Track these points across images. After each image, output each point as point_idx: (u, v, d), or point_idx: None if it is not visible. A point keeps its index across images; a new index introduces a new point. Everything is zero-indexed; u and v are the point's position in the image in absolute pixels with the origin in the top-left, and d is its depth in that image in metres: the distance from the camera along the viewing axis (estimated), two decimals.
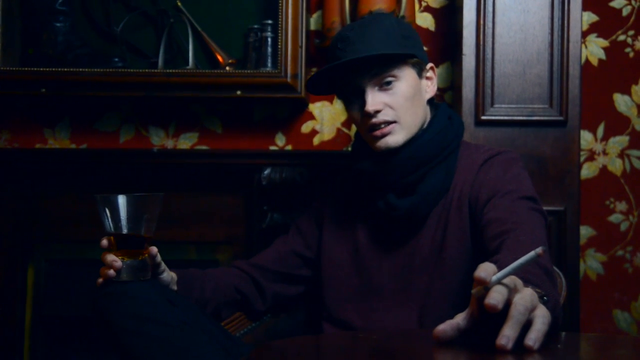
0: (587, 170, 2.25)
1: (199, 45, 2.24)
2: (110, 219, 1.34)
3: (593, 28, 2.25)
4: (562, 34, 1.97)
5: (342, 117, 2.25)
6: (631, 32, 2.25)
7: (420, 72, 1.56)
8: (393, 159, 1.53)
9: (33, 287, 2.32)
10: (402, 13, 2.08)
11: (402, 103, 1.52)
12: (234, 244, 2.26)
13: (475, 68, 1.99)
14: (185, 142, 2.29)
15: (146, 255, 1.38)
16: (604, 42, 2.25)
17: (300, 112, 2.28)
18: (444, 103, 1.64)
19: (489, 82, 1.99)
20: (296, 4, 2.11)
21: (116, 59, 2.20)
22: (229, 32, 2.26)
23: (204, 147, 2.29)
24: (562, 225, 1.97)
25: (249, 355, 1.05)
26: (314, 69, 2.25)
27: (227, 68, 2.20)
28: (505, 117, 1.98)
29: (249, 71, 2.16)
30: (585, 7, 2.16)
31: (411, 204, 1.53)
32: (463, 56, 1.99)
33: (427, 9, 2.26)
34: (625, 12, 2.25)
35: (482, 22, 1.98)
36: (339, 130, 2.27)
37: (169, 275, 1.50)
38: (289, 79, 2.10)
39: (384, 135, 1.52)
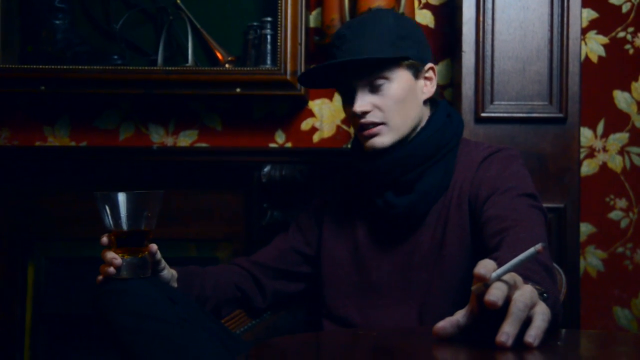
0: (587, 167, 2.25)
1: (198, 43, 2.24)
2: (110, 217, 1.34)
3: (593, 25, 2.25)
4: (561, 30, 1.97)
5: (342, 114, 2.25)
6: (631, 29, 2.25)
7: (416, 73, 1.55)
8: (380, 160, 1.53)
9: (33, 285, 2.32)
10: (401, 10, 2.08)
11: (391, 105, 1.52)
12: (234, 241, 2.26)
13: (474, 65, 1.99)
14: (185, 139, 2.29)
15: (146, 252, 1.38)
16: (604, 39, 2.25)
17: (300, 109, 2.28)
18: (444, 100, 1.63)
19: (489, 79, 1.99)
20: (295, 1, 2.11)
21: (115, 57, 2.20)
22: (229, 29, 2.26)
23: (203, 145, 2.29)
24: (562, 222, 1.97)
25: (248, 352, 1.05)
26: (314, 67, 2.24)
27: (227, 65, 2.20)
28: (505, 114, 1.98)
29: (248, 68, 2.16)
30: (585, 3, 2.15)
31: (409, 202, 1.53)
32: (463, 53, 1.99)
33: (427, 6, 2.26)
34: (625, 9, 2.25)
35: (481, 19, 1.98)
36: (338, 127, 2.26)
37: (169, 272, 1.50)
38: (288, 77, 2.10)
39: (371, 136, 1.53)
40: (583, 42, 2.22)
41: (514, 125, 1.99)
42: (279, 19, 2.11)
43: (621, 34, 2.25)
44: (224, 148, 2.25)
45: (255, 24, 2.21)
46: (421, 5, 2.26)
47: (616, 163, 2.25)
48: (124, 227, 1.35)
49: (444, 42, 2.24)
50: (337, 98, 2.25)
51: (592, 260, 2.25)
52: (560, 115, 1.97)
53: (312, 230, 1.72)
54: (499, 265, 0.99)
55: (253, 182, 2.17)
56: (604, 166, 2.26)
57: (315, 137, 2.27)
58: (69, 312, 2.32)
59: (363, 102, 1.52)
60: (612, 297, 2.25)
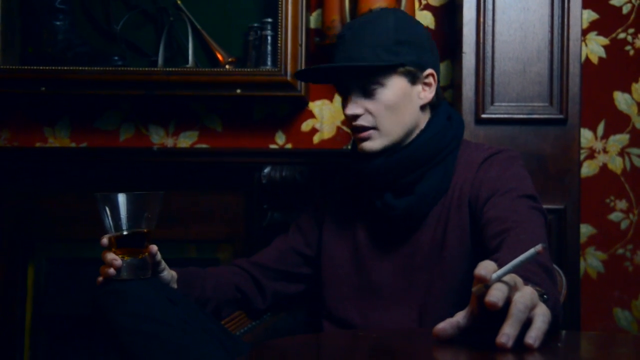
0: (587, 169, 2.25)
1: (198, 44, 2.24)
2: (110, 218, 1.34)
3: (593, 26, 2.25)
4: (562, 32, 1.97)
5: (342, 115, 2.25)
6: (631, 30, 2.25)
7: (413, 79, 1.54)
8: (372, 163, 1.54)
9: (33, 285, 2.33)
10: None
11: (382, 111, 1.52)
12: (234, 242, 2.26)
13: (475, 66, 1.99)
14: (185, 140, 2.29)
15: (146, 253, 1.38)
16: (604, 40, 2.25)
17: (300, 110, 2.28)
18: (445, 102, 1.62)
19: (489, 80, 1.99)
20: (296, 2, 2.11)
21: (116, 58, 2.20)
22: (229, 30, 2.26)
23: (204, 146, 2.29)
24: (562, 224, 1.97)
25: (248, 354, 1.05)
26: (311, 67, 2.24)
27: (227, 66, 2.20)
28: (506, 116, 1.98)
29: (248, 69, 2.16)
30: (585, 5, 2.16)
31: (408, 205, 1.53)
32: (463, 54, 1.99)
33: (427, 7, 2.26)
34: (625, 10, 2.25)
35: (482, 20, 1.98)
36: (339, 128, 2.26)
37: (169, 273, 1.50)
38: (289, 78, 2.10)
39: (363, 139, 1.53)
40: (583, 43, 2.22)
41: (514, 127, 1.99)
42: (280, 20, 2.11)
43: (621, 35, 2.25)
44: (224, 149, 2.25)
45: (255, 25, 2.21)
46: (422, 6, 2.26)
47: (616, 164, 2.25)
48: (124, 228, 1.35)
49: (444, 43, 2.24)
50: (338, 99, 2.25)
51: (592, 261, 2.25)
52: (561, 116, 1.97)
53: (312, 231, 1.72)
54: (500, 266, 0.99)
55: (253, 183, 2.17)
56: (604, 167, 2.26)
57: (316, 138, 2.27)
58: (69, 312, 2.32)
59: (355, 105, 1.53)
60: (613, 299, 2.25)
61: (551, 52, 1.98)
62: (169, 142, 2.29)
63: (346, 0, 2.11)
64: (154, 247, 1.40)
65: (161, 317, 1.31)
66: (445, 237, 1.52)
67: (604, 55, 2.25)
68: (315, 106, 2.27)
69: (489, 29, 1.99)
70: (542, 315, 0.96)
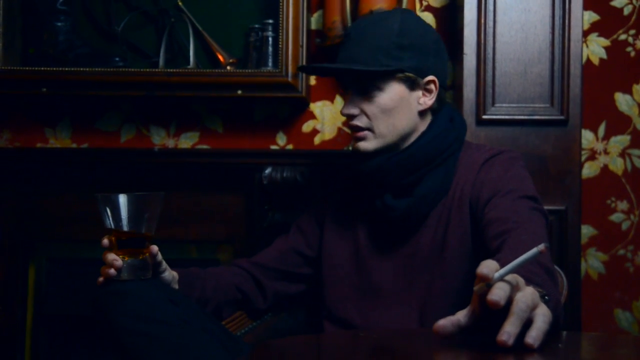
0: (588, 170, 2.25)
1: (199, 45, 2.24)
2: (111, 218, 1.34)
3: (594, 27, 2.25)
4: (563, 33, 1.97)
5: (343, 116, 2.25)
6: (632, 32, 2.25)
7: (412, 85, 1.53)
8: (367, 163, 1.55)
9: (34, 285, 2.33)
10: None
11: (377, 113, 1.52)
12: (234, 243, 2.26)
13: (476, 67, 1.99)
14: (186, 141, 2.29)
15: (147, 254, 1.38)
16: (605, 42, 2.25)
17: (301, 111, 2.28)
18: (447, 105, 1.62)
19: (490, 82, 1.99)
20: (297, 3, 2.11)
21: (117, 59, 2.20)
22: (230, 31, 2.26)
23: (204, 147, 2.29)
24: (563, 225, 1.97)
25: (249, 354, 1.05)
26: (314, 65, 2.24)
27: (228, 67, 2.20)
28: (507, 117, 1.98)
29: (249, 70, 2.16)
30: (586, 6, 2.16)
31: (407, 206, 1.53)
32: (464, 55, 1.99)
33: (428, 8, 2.26)
34: (626, 12, 2.25)
35: (483, 21, 1.98)
36: (339, 129, 2.27)
37: (170, 274, 1.50)
38: (290, 79, 2.10)
39: (358, 139, 1.54)
40: (584, 45, 2.22)
41: (515, 128, 1.99)
42: (281, 21, 2.11)
43: (622, 37, 2.25)
44: (225, 150, 2.25)
45: (256, 26, 2.21)
46: (422, 8, 2.26)
47: (617, 165, 2.25)
48: (125, 228, 1.35)
49: (445, 44, 2.24)
50: (339, 100, 2.25)
51: (593, 262, 2.25)
52: (562, 117, 1.97)
53: (313, 232, 1.72)
54: (501, 266, 0.99)
55: (254, 184, 2.17)
56: (605, 168, 2.26)
57: (317, 139, 2.27)
58: (69, 313, 2.32)
59: (351, 105, 1.54)
60: (613, 300, 2.25)
61: (552, 53, 1.98)
62: (170, 143, 2.29)
63: (347, 1, 2.11)
64: (154, 248, 1.40)
65: (162, 317, 1.31)
66: (446, 237, 1.52)
67: (604, 56, 2.25)
68: (316, 107, 2.27)
69: (489, 30, 1.99)
70: (542, 316, 0.96)
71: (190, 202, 2.25)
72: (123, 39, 2.25)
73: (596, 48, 2.25)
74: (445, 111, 1.59)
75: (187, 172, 2.25)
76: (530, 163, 1.92)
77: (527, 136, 1.98)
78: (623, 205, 2.25)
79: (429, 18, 2.26)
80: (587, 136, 2.24)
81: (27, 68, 2.19)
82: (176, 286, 1.53)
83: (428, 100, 1.55)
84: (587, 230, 2.24)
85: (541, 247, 0.98)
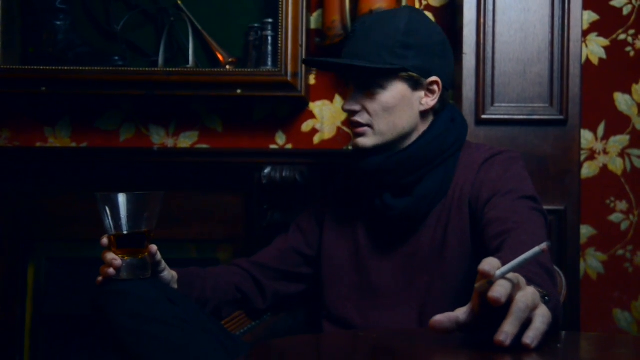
0: (588, 170, 2.25)
1: (199, 44, 2.24)
2: (110, 218, 1.34)
3: (593, 27, 2.25)
4: (562, 33, 1.97)
5: (343, 115, 2.25)
6: (632, 31, 2.25)
7: (415, 85, 1.53)
8: (365, 161, 1.55)
9: (33, 285, 2.33)
10: None
11: (378, 111, 1.52)
12: (234, 242, 2.26)
13: (475, 67, 1.99)
14: (186, 140, 2.29)
15: (146, 253, 1.39)
16: (605, 41, 2.25)
17: (301, 110, 2.28)
18: (449, 105, 1.62)
19: (490, 81, 1.99)
20: (296, 2, 2.11)
21: (116, 58, 2.20)
22: (230, 30, 2.26)
23: (204, 146, 2.29)
24: (563, 225, 1.97)
25: (248, 354, 1.05)
26: (314, 68, 2.25)
27: (228, 67, 2.20)
28: (506, 116, 1.98)
29: (249, 70, 2.16)
30: (585, 6, 2.15)
31: (406, 205, 1.53)
32: (463, 55, 1.99)
33: (428, 7, 2.26)
34: (625, 11, 2.25)
35: (482, 20, 1.98)
36: (339, 129, 2.27)
37: (169, 274, 1.50)
38: (289, 78, 2.10)
39: (357, 135, 1.54)
40: (584, 45, 2.22)
41: (514, 127, 1.99)
42: (280, 21, 2.11)
43: (622, 37, 2.25)
44: (225, 149, 2.25)
45: (256, 25, 2.21)
46: (422, 7, 2.26)
47: (617, 165, 2.25)
48: (124, 228, 1.35)
49: None
50: (338, 100, 2.25)
51: (592, 262, 2.25)
52: (561, 117, 1.97)
53: (313, 231, 1.72)
54: (503, 264, 0.99)
55: (253, 184, 2.17)
56: (604, 168, 2.26)
57: (316, 139, 2.27)
58: (69, 312, 2.32)
59: (353, 102, 1.54)
60: (612, 300, 2.25)
61: (551, 53, 1.98)
62: (170, 142, 2.29)
63: (346, 0, 2.11)
64: (153, 247, 1.40)
65: (161, 317, 1.31)
66: (446, 237, 1.52)
67: (604, 56, 2.25)
68: (315, 106, 2.27)
69: (489, 29, 1.99)
70: (541, 316, 0.96)
71: (190, 201, 2.25)
72: (122, 38, 2.25)
73: (595, 48, 2.25)
74: (447, 112, 1.59)
75: (187, 171, 2.25)
76: (530, 163, 1.92)
77: (527, 136, 1.98)
78: (622, 205, 2.25)
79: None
80: (586, 136, 2.24)
81: (26, 67, 2.19)
82: (175, 286, 1.53)
83: (430, 101, 1.55)
84: (586, 230, 2.24)
85: (543, 246, 0.98)
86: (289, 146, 2.27)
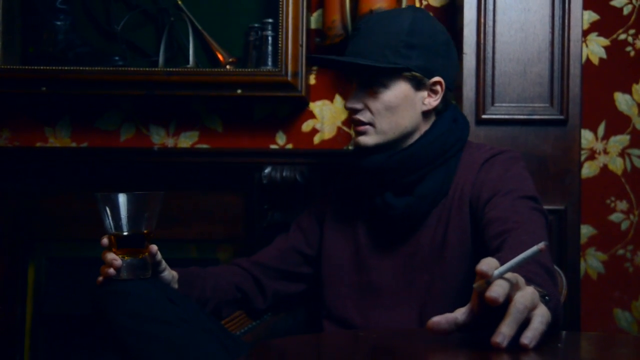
0: (588, 169, 2.25)
1: (199, 44, 2.24)
2: (110, 218, 1.34)
3: (594, 27, 2.25)
4: (562, 32, 1.97)
5: (343, 115, 2.25)
6: (632, 31, 2.25)
7: (418, 85, 1.53)
8: (367, 159, 1.55)
9: (33, 285, 2.33)
10: None
11: (380, 110, 1.52)
12: (234, 242, 2.26)
13: (475, 67, 1.99)
14: (186, 140, 2.29)
15: (146, 253, 1.39)
16: (605, 41, 2.25)
17: (301, 110, 2.28)
18: (452, 105, 1.62)
19: (490, 81, 1.99)
20: (297, 2, 2.11)
21: (117, 58, 2.20)
22: (230, 30, 2.26)
23: (204, 146, 2.29)
24: (563, 224, 1.97)
25: (248, 353, 1.05)
26: (315, 68, 2.25)
27: (228, 67, 2.20)
28: (506, 116, 1.98)
29: (249, 70, 2.16)
30: (586, 5, 2.15)
31: (407, 204, 1.53)
32: (464, 55, 1.99)
33: (428, 7, 2.26)
34: (626, 11, 2.25)
35: (482, 20, 1.98)
36: (339, 129, 2.26)
37: (169, 273, 1.50)
38: (289, 78, 2.10)
39: (359, 133, 1.55)
40: (584, 44, 2.22)
41: (514, 127, 1.99)
42: (280, 21, 2.11)
43: (622, 36, 2.25)
44: (225, 149, 2.25)
45: (256, 25, 2.21)
46: (422, 7, 2.26)
47: (617, 165, 2.25)
48: (124, 228, 1.35)
49: None
50: (338, 100, 2.25)
51: (592, 262, 2.25)
52: (561, 117, 1.97)
53: (313, 231, 1.72)
54: (501, 265, 0.99)
55: (254, 184, 2.17)
56: (604, 168, 2.26)
57: (316, 139, 2.27)
58: (69, 312, 2.32)
59: (355, 100, 1.55)
60: (613, 299, 2.25)
61: (552, 53, 1.98)
62: (170, 142, 2.29)
63: (347, 0, 2.11)
64: (153, 247, 1.40)
65: (161, 317, 1.31)
66: (446, 237, 1.52)
67: (604, 56, 2.25)
68: (315, 106, 2.27)
69: (489, 29, 1.99)
70: (540, 316, 0.96)
71: (190, 201, 2.25)
72: (123, 38, 2.25)
73: (596, 48, 2.25)
74: (450, 112, 1.59)
75: (187, 171, 2.25)
76: (530, 163, 1.91)
77: (527, 136, 1.98)
78: (622, 205, 2.25)
79: None
80: (586, 136, 2.24)
81: (26, 67, 2.19)
82: (176, 286, 1.53)
83: (433, 101, 1.55)
84: (586, 230, 2.24)
85: (541, 245, 0.98)
86: (289, 146, 2.27)
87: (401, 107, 1.52)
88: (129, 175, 2.25)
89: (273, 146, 2.27)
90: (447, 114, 1.58)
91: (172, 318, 1.31)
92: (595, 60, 2.25)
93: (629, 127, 2.26)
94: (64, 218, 2.28)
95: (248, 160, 2.18)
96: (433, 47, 1.53)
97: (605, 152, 2.25)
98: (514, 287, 0.96)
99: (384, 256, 1.59)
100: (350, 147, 2.23)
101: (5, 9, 2.19)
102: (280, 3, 2.11)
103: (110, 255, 1.36)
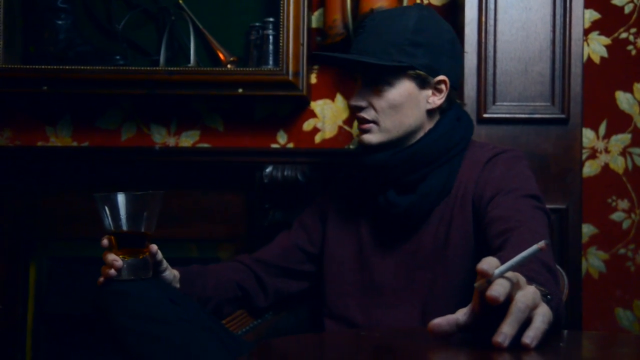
0: (589, 168, 2.24)
1: (200, 43, 2.24)
2: (110, 218, 1.34)
3: (595, 26, 2.25)
4: (564, 31, 1.97)
5: (344, 114, 2.25)
6: (633, 30, 2.25)
7: (422, 84, 1.53)
8: (370, 157, 1.55)
9: (35, 284, 2.33)
10: None
11: (384, 108, 1.52)
12: (235, 242, 2.26)
13: (477, 66, 1.99)
14: (187, 140, 2.29)
15: (147, 253, 1.38)
16: (606, 40, 2.25)
17: (302, 109, 2.28)
18: (456, 104, 1.62)
19: (491, 80, 1.98)
20: (298, 1, 2.11)
21: (118, 57, 2.20)
22: (231, 29, 2.26)
23: (205, 145, 2.29)
24: (564, 224, 1.97)
25: (250, 353, 1.05)
26: (316, 67, 2.25)
27: (229, 66, 2.20)
28: (507, 115, 1.98)
29: (250, 69, 2.16)
30: (587, 4, 2.15)
31: (410, 203, 1.53)
32: (465, 54, 1.98)
33: (429, 6, 2.26)
34: (627, 10, 2.25)
35: (483, 19, 1.98)
36: (340, 128, 2.26)
37: (171, 273, 1.50)
38: (290, 77, 2.10)
39: (363, 131, 1.54)
40: (585, 43, 2.22)
41: (516, 126, 1.98)
42: (281, 20, 2.11)
43: (623, 35, 2.25)
44: (226, 148, 2.25)
45: (257, 24, 2.21)
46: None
47: (618, 164, 2.25)
48: (124, 228, 1.34)
49: None
50: (339, 99, 2.25)
51: (593, 261, 2.25)
52: (563, 116, 1.97)
53: (316, 228, 1.72)
54: (502, 263, 0.99)
55: (255, 183, 2.17)
56: (606, 167, 2.25)
57: (317, 138, 2.27)
58: (70, 312, 2.32)
59: (360, 97, 1.55)
60: (614, 299, 2.25)
61: (553, 52, 1.97)
62: (171, 142, 2.29)
63: None
64: (154, 247, 1.40)
65: (162, 317, 1.31)
66: (449, 235, 1.52)
67: (605, 55, 2.25)
68: (317, 105, 2.27)
69: (490, 28, 1.99)
70: (542, 316, 0.96)
71: (191, 200, 2.25)
72: (124, 37, 2.25)
73: (597, 46, 2.25)
74: (454, 110, 1.59)
75: (188, 170, 2.25)
76: (531, 162, 1.91)
77: (528, 135, 1.98)
78: (624, 204, 2.25)
79: None
80: (587, 135, 2.24)
81: (27, 66, 2.19)
82: (177, 285, 1.53)
83: (437, 100, 1.55)
84: (587, 229, 2.24)
85: (541, 244, 0.98)
86: (290, 145, 2.27)
87: (405, 106, 1.52)
88: (130, 175, 2.25)
89: (274, 145, 2.27)
90: (451, 113, 1.58)
91: (173, 318, 1.31)
92: (596, 59, 2.25)
93: (630, 126, 2.25)
94: (65, 217, 2.28)
95: (249, 159, 2.18)
96: (438, 45, 1.53)
97: (607, 151, 2.25)
98: (515, 286, 0.96)
99: (387, 254, 1.59)
100: (352, 146, 2.23)
101: (6, 8, 2.19)
102: (282, 2, 2.11)
103: (111, 256, 1.35)
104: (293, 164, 2.15)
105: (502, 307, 0.94)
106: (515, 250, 1.20)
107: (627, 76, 2.25)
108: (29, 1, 2.26)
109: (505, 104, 1.98)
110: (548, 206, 1.53)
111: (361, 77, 1.55)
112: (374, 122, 1.53)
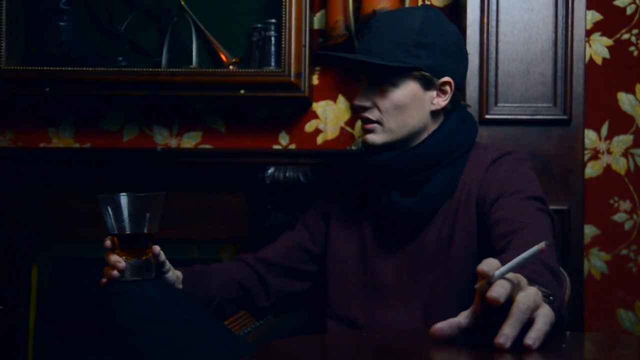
0: (591, 169, 2.24)
1: (202, 44, 2.24)
2: (112, 219, 1.34)
3: (597, 27, 2.25)
4: (566, 32, 1.97)
5: (346, 116, 2.25)
6: (635, 31, 2.25)
7: (427, 85, 1.53)
8: (374, 157, 1.55)
9: (37, 285, 2.33)
10: None
11: (389, 109, 1.52)
12: (237, 243, 2.26)
13: (479, 67, 1.99)
14: (189, 141, 2.29)
15: (149, 254, 1.39)
16: (608, 41, 2.25)
17: (304, 111, 2.28)
18: (460, 105, 1.62)
19: (493, 81, 1.98)
20: (300, 3, 2.11)
21: (120, 58, 2.20)
22: (233, 31, 2.26)
23: (207, 146, 2.29)
24: (566, 224, 1.97)
25: (252, 354, 1.05)
26: (318, 68, 2.25)
27: (231, 67, 2.20)
28: (509, 116, 1.98)
29: (252, 70, 2.16)
30: (589, 5, 2.15)
31: (413, 204, 1.53)
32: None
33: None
34: (629, 11, 2.25)
35: (485, 20, 1.98)
36: (342, 129, 2.26)
37: (173, 274, 1.50)
38: (292, 78, 2.10)
39: (367, 131, 1.54)
40: (587, 44, 2.22)
41: (518, 127, 1.98)
42: (283, 21, 2.11)
43: (625, 36, 2.25)
44: (228, 150, 2.25)
45: (259, 25, 2.21)
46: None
47: (620, 165, 2.25)
48: (127, 229, 1.35)
49: None
50: (341, 100, 2.25)
51: (596, 262, 2.25)
52: (565, 117, 1.97)
53: (319, 228, 1.72)
54: (504, 264, 0.99)
55: (256, 184, 2.17)
56: (608, 168, 2.25)
57: (319, 139, 2.27)
58: (73, 312, 2.32)
59: (364, 98, 1.55)
60: (616, 300, 2.25)
61: (555, 53, 1.97)
62: (173, 143, 2.30)
63: (350, 1, 2.11)
64: (156, 248, 1.40)
65: (165, 318, 1.31)
66: (452, 237, 1.52)
67: (607, 56, 2.25)
68: (319, 107, 2.27)
69: (492, 29, 1.99)
70: (544, 317, 0.96)
71: (193, 201, 2.25)
72: (126, 39, 2.25)
73: (599, 48, 2.25)
74: (458, 112, 1.59)
75: (190, 171, 2.25)
76: (533, 163, 1.90)
77: (530, 136, 1.98)
78: (626, 205, 2.25)
79: None
80: (590, 136, 2.24)
81: (29, 68, 2.19)
82: (180, 286, 1.53)
83: (442, 101, 1.55)
84: (589, 230, 2.23)
85: (541, 245, 0.98)
86: (292, 146, 2.27)
87: (410, 107, 1.52)
88: (132, 176, 2.25)
89: (276, 146, 2.27)
90: (455, 114, 1.58)
91: (175, 319, 1.32)
92: (598, 60, 2.25)
93: (633, 127, 2.25)
94: (67, 218, 2.28)
95: (251, 160, 2.18)
96: (443, 47, 1.53)
97: (609, 152, 2.25)
98: (516, 287, 0.96)
99: (390, 255, 1.59)
100: (354, 148, 2.23)
101: (9, 9, 2.19)
102: (283, 3, 2.11)
103: (114, 257, 1.36)
104: (295, 165, 2.15)
105: (504, 309, 0.94)
106: (518, 252, 1.19)
107: (629, 77, 2.25)
108: (31, 3, 2.26)
109: (507, 105, 1.98)
110: (550, 207, 1.53)
111: (366, 78, 1.55)
112: (378, 122, 1.53)
